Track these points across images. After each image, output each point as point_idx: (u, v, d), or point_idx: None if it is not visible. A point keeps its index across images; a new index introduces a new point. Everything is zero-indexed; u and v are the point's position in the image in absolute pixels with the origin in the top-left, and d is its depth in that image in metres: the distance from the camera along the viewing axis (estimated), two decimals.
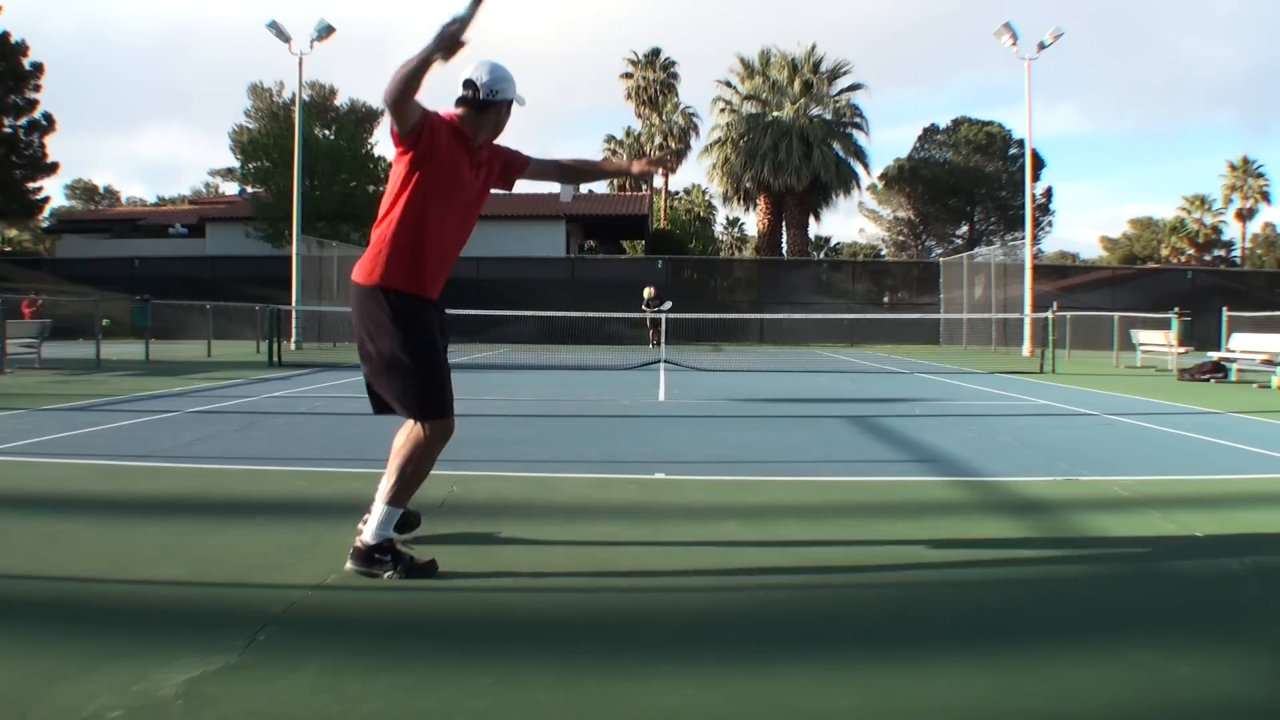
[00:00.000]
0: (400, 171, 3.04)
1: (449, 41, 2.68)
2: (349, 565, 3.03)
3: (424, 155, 2.99)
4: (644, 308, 23.57)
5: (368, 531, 3.04)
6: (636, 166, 3.60)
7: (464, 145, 3.10)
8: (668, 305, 22.97)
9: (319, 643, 2.41)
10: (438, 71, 2.76)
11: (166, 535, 3.53)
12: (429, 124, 2.97)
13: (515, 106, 3.19)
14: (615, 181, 50.16)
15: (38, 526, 3.71)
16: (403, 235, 3.03)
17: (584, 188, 46.86)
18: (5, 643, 2.38)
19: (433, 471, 5.00)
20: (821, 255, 51.99)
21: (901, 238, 55.22)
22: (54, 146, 36.83)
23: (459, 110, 3.11)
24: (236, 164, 35.39)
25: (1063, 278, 33.12)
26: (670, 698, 2.09)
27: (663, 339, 17.85)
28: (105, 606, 2.74)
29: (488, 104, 3.09)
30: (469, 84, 3.08)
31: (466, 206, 3.22)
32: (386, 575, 2.97)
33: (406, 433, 3.11)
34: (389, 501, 3.04)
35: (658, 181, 47.90)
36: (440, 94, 3.14)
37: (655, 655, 2.37)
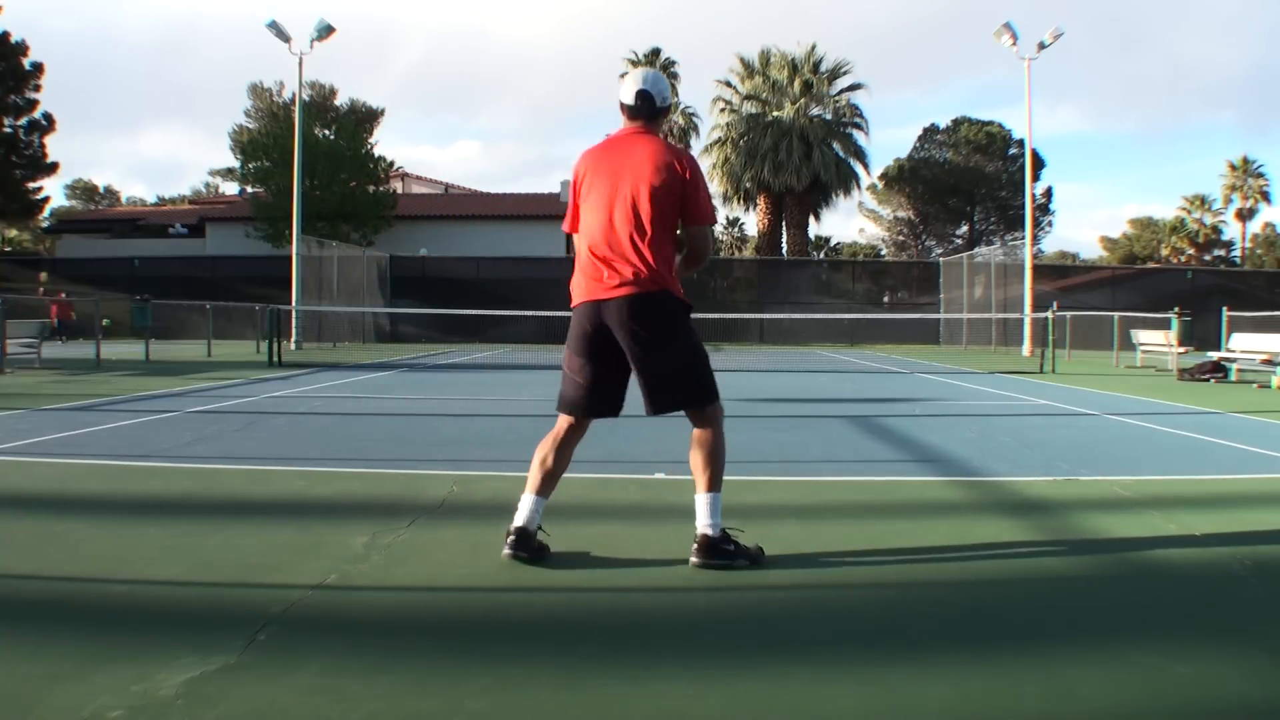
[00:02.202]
0: (674, 197, 3.14)
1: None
2: (696, 561, 3.09)
3: None
4: None
5: (706, 524, 3.10)
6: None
7: None
8: None
9: (319, 643, 2.41)
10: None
11: (166, 535, 3.53)
12: None
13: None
14: None
15: (38, 526, 3.71)
16: (672, 250, 3.24)
17: None
18: (5, 643, 2.38)
19: (433, 471, 5.03)
20: (821, 255, 51.95)
21: (901, 238, 55.20)
22: (54, 146, 36.84)
23: (639, 124, 3.26)
24: (236, 164, 35.39)
25: (1063, 278, 33.12)
26: (670, 698, 2.09)
27: None
28: (105, 606, 2.74)
29: (663, 112, 3.29)
30: (644, 95, 3.23)
31: None
32: (740, 564, 3.09)
33: (553, 438, 3.28)
34: (713, 489, 3.13)
35: None
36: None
37: (655, 655, 2.37)
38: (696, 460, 3.18)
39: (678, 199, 3.14)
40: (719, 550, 3.10)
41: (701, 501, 3.15)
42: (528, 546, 3.16)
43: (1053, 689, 2.16)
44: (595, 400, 3.25)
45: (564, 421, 3.30)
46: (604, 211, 3.17)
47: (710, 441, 3.18)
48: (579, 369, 3.23)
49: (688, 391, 3.22)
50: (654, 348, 3.15)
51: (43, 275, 23.18)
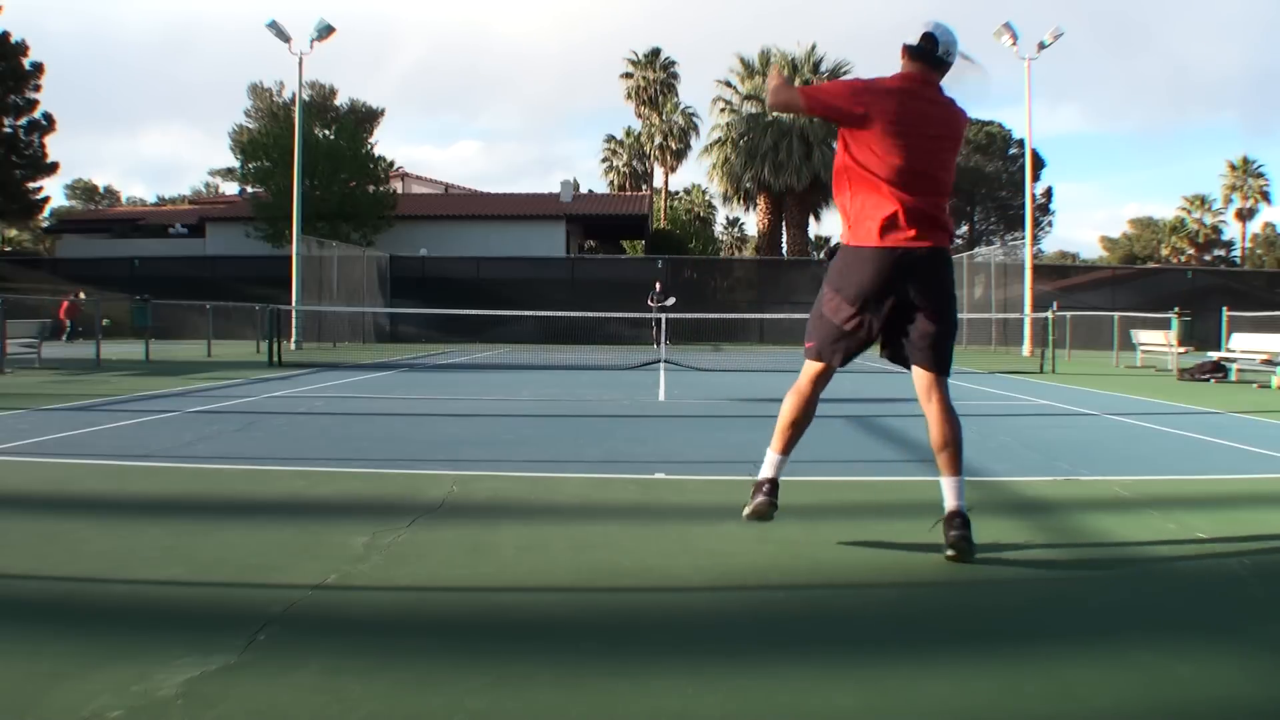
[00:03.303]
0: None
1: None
2: (959, 536, 3.13)
3: None
4: (650, 303, 23.59)
5: (963, 503, 3.17)
6: None
7: None
8: (670, 301, 23.13)
9: (319, 643, 2.41)
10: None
11: (166, 535, 3.52)
12: None
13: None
14: (615, 180, 50.21)
15: (38, 526, 3.71)
16: None
17: (584, 187, 46.83)
18: (5, 643, 2.38)
19: (433, 471, 5.03)
20: (821, 255, 51.94)
21: None
22: (54, 146, 36.86)
23: (921, 67, 3.27)
24: (236, 164, 35.44)
25: (1063, 278, 33.10)
26: (670, 698, 2.09)
27: (663, 337, 17.78)
28: (105, 606, 2.74)
29: (944, 62, 3.26)
30: (929, 37, 3.22)
31: None
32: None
33: (800, 391, 3.35)
34: (961, 472, 3.21)
35: (658, 181, 47.92)
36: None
37: (655, 655, 2.37)
38: (949, 438, 3.24)
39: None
40: (970, 527, 3.18)
41: (955, 483, 3.22)
42: (775, 492, 3.32)
43: (1053, 689, 2.16)
44: (854, 348, 3.31)
45: (815, 368, 3.34)
46: (915, 160, 3.16)
47: (953, 412, 3.25)
48: (849, 316, 3.25)
49: (948, 353, 3.28)
50: (948, 303, 3.23)
51: (81, 294, 23.29)
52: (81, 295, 23.12)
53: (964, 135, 3.39)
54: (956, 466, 3.22)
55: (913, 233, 3.13)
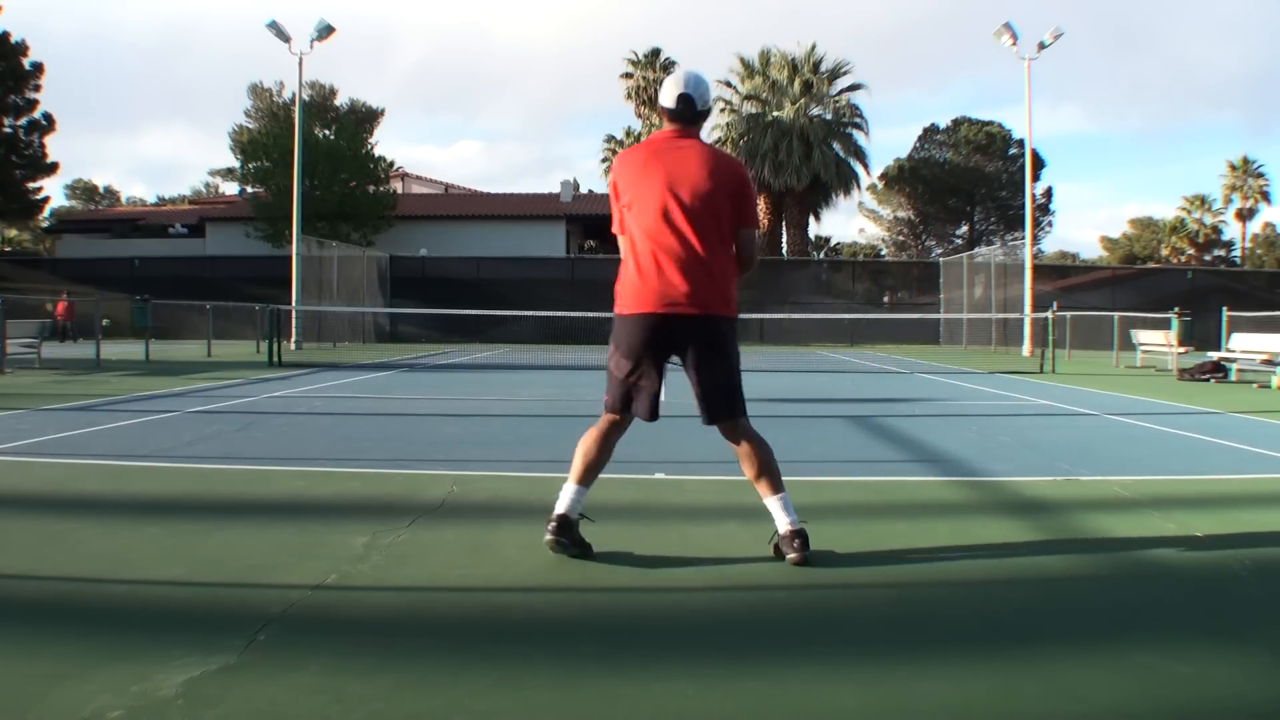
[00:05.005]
0: (732, 227, 3.22)
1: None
2: (798, 556, 3.13)
3: None
4: None
5: (788, 522, 3.18)
6: None
7: None
8: None
9: (319, 643, 2.41)
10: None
11: (166, 535, 3.53)
12: None
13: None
14: None
15: (38, 526, 3.71)
16: (731, 259, 3.29)
17: (584, 187, 46.78)
18: (5, 643, 2.38)
19: (433, 471, 5.03)
20: (821, 255, 51.95)
21: (901, 238, 55.20)
22: (54, 146, 36.88)
23: (678, 127, 3.26)
24: (236, 164, 35.46)
25: (1063, 278, 33.13)
26: (670, 698, 2.09)
27: None
28: (105, 606, 2.74)
29: (704, 114, 3.30)
30: (685, 99, 3.24)
31: None
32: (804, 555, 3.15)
33: (599, 433, 3.28)
34: (779, 492, 3.22)
35: None
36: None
37: (655, 655, 2.37)
38: (750, 470, 3.27)
39: (732, 204, 3.17)
40: (806, 541, 3.17)
41: (776, 504, 3.24)
42: (569, 534, 3.18)
43: (1053, 689, 2.16)
44: (643, 398, 3.26)
45: (607, 419, 3.31)
46: (658, 218, 3.15)
47: (755, 449, 3.26)
48: (627, 372, 3.24)
49: (731, 403, 3.27)
50: (713, 362, 3.21)
51: (66, 293, 23.34)
52: (66, 294, 23.11)
53: (725, 171, 3.19)
54: (775, 486, 3.24)
55: (666, 297, 3.15)
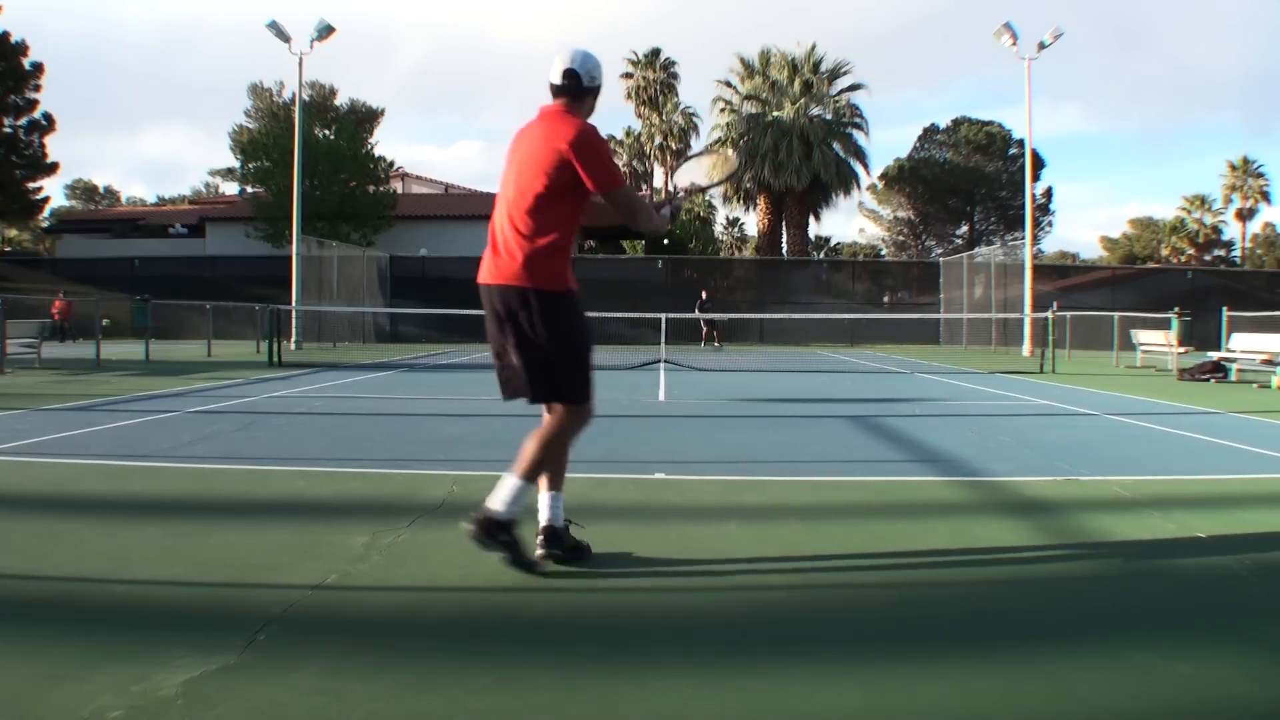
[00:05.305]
0: (565, 189, 3.08)
1: (674, 219, 3.25)
2: (468, 527, 3.03)
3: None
4: (697, 310, 24.22)
5: (498, 500, 3.04)
6: (670, 215, 3.57)
7: None
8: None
9: (319, 643, 2.41)
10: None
11: (166, 535, 3.53)
12: None
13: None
14: None
15: (38, 526, 3.71)
16: (568, 242, 3.17)
17: None
18: (5, 643, 2.38)
19: (433, 471, 5.03)
20: (821, 255, 51.95)
21: (901, 238, 55.21)
22: (54, 146, 36.92)
23: (561, 101, 3.19)
24: (236, 164, 35.42)
25: (1063, 278, 33.12)
26: (670, 698, 2.09)
27: (715, 338, 18.22)
28: (105, 606, 2.74)
29: (589, 91, 3.22)
30: (570, 74, 3.17)
31: None
32: (500, 556, 3.02)
33: (548, 419, 3.19)
34: (525, 477, 3.08)
35: (658, 181, 47.92)
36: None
37: (655, 655, 2.37)
38: (533, 442, 3.12)
39: (568, 174, 3.03)
40: (491, 531, 3.02)
41: (510, 484, 3.07)
42: (560, 544, 3.16)
43: (1053, 689, 2.16)
44: (507, 379, 3.22)
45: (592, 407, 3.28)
46: (501, 193, 3.19)
47: (550, 435, 3.13)
48: (493, 352, 3.25)
49: (554, 385, 3.12)
50: (527, 337, 3.09)
51: (62, 293, 23.41)
52: (62, 294, 23.14)
53: (555, 142, 3.03)
54: (551, 483, 3.17)
55: (489, 269, 3.15)
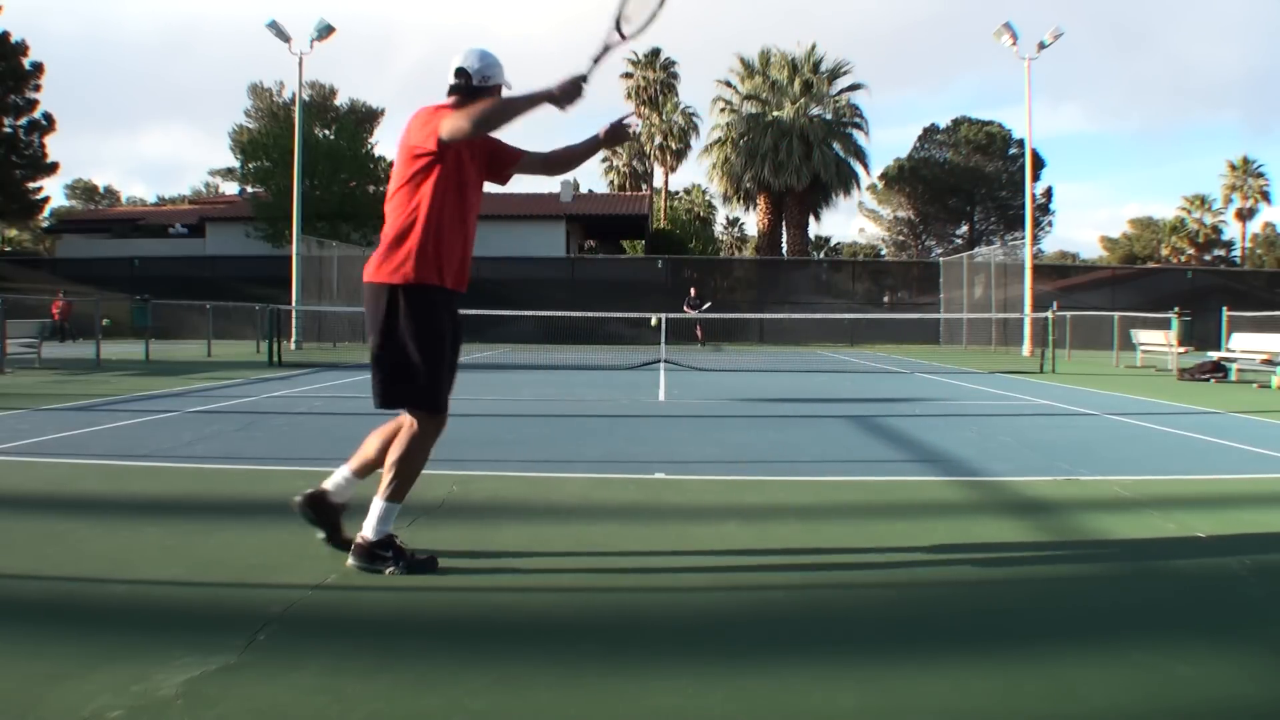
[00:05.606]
0: (417, 171, 3.05)
1: (571, 92, 2.90)
2: (350, 562, 3.05)
3: (454, 152, 3.05)
4: (686, 308, 24.24)
5: (368, 528, 3.06)
6: (603, 133, 3.46)
7: None
8: (706, 305, 24.90)
9: (319, 643, 2.41)
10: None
11: (166, 535, 3.53)
12: None
13: (505, 91, 3.23)
14: (615, 180, 50.19)
15: (38, 526, 3.71)
16: (429, 230, 3.06)
17: (584, 187, 46.81)
18: (5, 643, 2.38)
19: (433, 471, 5.02)
20: (821, 255, 51.97)
21: (901, 238, 55.21)
22: (54, 146, 36.91)
23: (452, 100, 3.15)
24: (236, 164, 35.42)
25: (1063, 278, 33.12)
26: (670, 698, 2.09)
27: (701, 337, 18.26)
28: (105, 606, 2.74)
29: (480, 90, 3.15)
30: (461, 72, 3.15)
31: (477, 194, 3.26)
32: (388, 571, 3.00)
33: (395, 429, 3.15)
34: (388, 498, 3.06)
35: (658, 181, 47.92)
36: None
37: (655, 655, 2.37)
38: (387, 460, 3.08)
39: (415, 163, 3.02)
40: (371, 555, 3.03)
41: (376, 508, 3.05)
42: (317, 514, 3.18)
43: (1053, 689, 2.16)
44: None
45: (445, 418, 3.28)
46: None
47: (403, 449, 3.06)
48: None
49: (384, 387, 3.08)
50: (369, 332, 3.08)
51: (61, 293, 23.48)
52: (61, 294, 23.16)
53: (409, 128, 3.04)
54: (393, 492, 3.07)
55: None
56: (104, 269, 30.62)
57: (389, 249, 3.06)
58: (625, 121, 3.40)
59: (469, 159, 3.12)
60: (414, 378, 3.04)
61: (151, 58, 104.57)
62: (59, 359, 14.74)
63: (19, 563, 3.13)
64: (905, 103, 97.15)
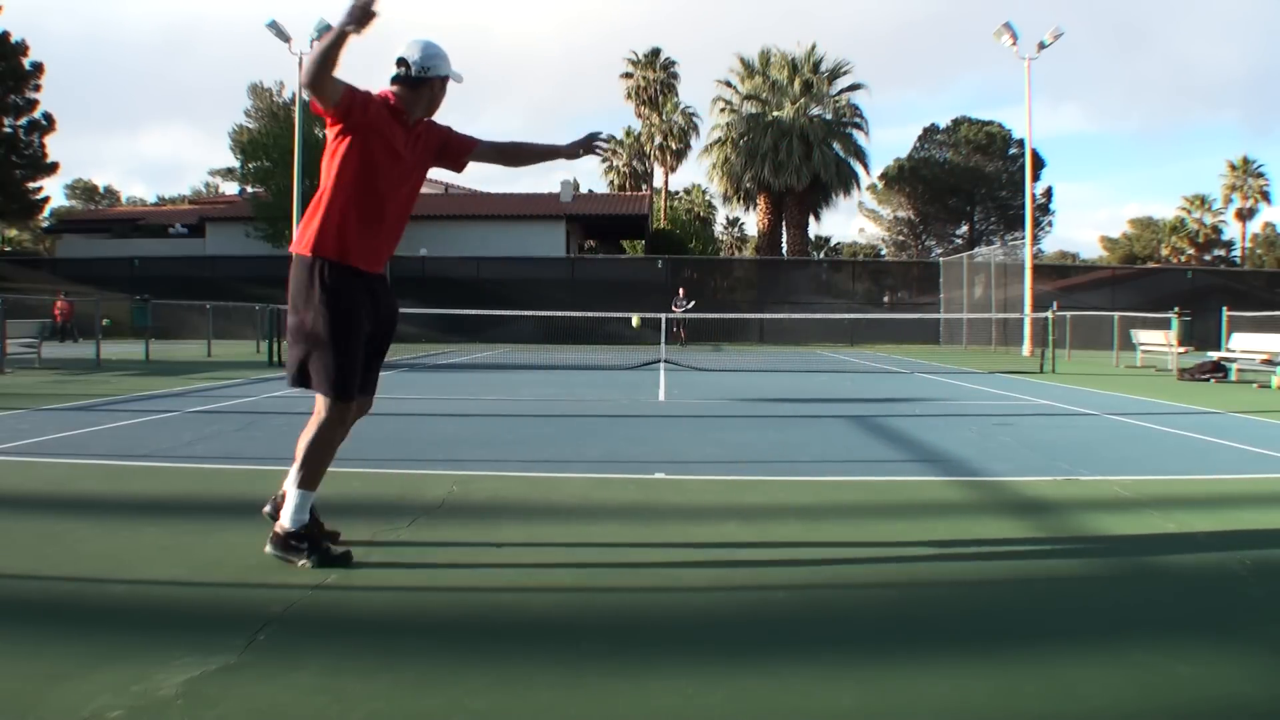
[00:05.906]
0: (332, 144, 3.11)
1: (360, 14, 2.80)
2: (268, 549, 3.09)
3: (354, 126, 3.06)
4: (673, 308, 24.29)
5: (285, 516, 3.09)
6: (567, 149, 3.57)
7: (398, 120, 3.17)
8: (689, 304, 25.18)
9: (319, 643, 2.41)
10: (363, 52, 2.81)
11: (166, 535, 3.53)
12: (358, 98, 3.04)
13: (452, 84, 3.27)
14: (615, 180, 50.18)
15: (38, 526, 3.71)
16: (334, 205, 3.09)
17: (584, 187, 46.80)
18: (5, 643, 2.38)
19: (433, 471, 5.03)
20: (821, 255, 51.98)
21: (901, 238, 55.21)
22: (54, 146, 36.94)
23: (394, 88, 3.19)
24: (236, 164, 35.41)
25: (1063, 278, 33.11)
26: (670, 698, 2.09)
27: (684, 336, 18.25)
28: (105, 606, 2.74)
29: (420, 81, 3.17)
30: (401, 62, 3.17)
31: (401, 178, 3.24)
32: (300, 563, 3.03)
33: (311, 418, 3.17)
34: (299, 485, 3.09)
35: (658, 181, 47.91)
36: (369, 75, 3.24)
37: (655, 655, 2.37)
38: (297, 446, 3.13)
39: (332, 144, 3.08)
40: (286, 544, 3.07)
41: (290, 496, 3.10)
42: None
43: (1053, 688, 2.16)
44: None
45: (352, 408, 3.28)
46: None
47: (310, 435, 3.10)
48: None
49: (292, 365, 3.11)
50: (289, 308, 3.12)
51: (62, 293, 23.52)
52: (62, 295, 23.18)
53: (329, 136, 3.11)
54: (305, 480, 3.10)
55: None
56: (104, 269, 30.62)
57: (308, 218, 3.13)
58: (596, 142, 3.46)
59: (382, 140, 3.09)
60: (319, 357, 3.04)
61: (151, 58, 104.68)
62: (59, 359, 14.74)
63: (19, 563, 3.13)
64: (905, 103, 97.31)
